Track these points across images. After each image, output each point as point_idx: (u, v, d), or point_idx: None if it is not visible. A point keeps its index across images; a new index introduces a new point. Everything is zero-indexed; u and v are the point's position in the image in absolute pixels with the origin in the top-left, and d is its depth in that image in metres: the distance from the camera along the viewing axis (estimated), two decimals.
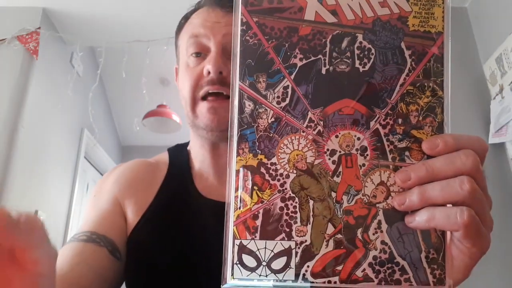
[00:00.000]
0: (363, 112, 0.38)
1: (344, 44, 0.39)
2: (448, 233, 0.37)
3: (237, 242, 0.37)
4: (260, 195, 0.38)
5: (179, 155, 0.80)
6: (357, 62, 0.38)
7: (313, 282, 0.36)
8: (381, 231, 0.37)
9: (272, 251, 0.37)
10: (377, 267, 0.36)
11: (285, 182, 0.38)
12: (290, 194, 0.38)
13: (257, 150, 0.38)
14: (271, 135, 0.38)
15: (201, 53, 0.68)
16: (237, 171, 0.38)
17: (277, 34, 0.39)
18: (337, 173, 0.38)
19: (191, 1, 0.77)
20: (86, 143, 3.13)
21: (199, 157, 0.76)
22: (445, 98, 0.38)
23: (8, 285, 0.29)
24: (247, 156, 0.38)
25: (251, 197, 0.38)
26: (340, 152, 0.38)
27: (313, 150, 0.38)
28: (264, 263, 0.37)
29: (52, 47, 2.60)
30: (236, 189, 0.38)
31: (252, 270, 0.37)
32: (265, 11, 0.39)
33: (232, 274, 0.37)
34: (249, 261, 0.37)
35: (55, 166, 2.69)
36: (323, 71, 0.38)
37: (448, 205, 0.36)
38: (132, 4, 2.46)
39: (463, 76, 2.09)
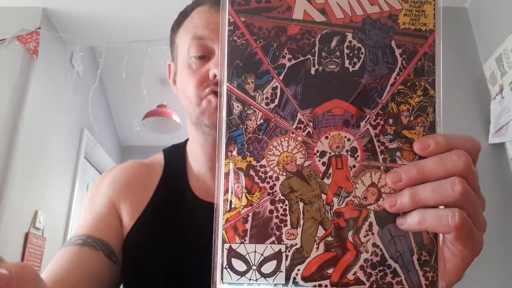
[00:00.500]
0: (353, 113, 0.37)
1: (333, 44, 0.38)
2: (441, 235, 0.36)
3: (226, 246, 0.36)
4: (249, 198, 0.37)
5: (175, 156, 0.80)
6: (346, 61, 0.38)
7: (303, 286, 0.36)
8: (373, 233, 0.36)
9: (262, 254, 0.36)
10: (368, 270, 0.36)
11: (274, 185, 0.37)
12: (280, 197, 0.37)
13: (246, 152, 0.37)
14: (260, 137, 0.38)
15: (204, 56, 0.67)
16: (226, 174, 0.37)
17: (265, 34, 0.38)
18: (327, 174, 0.37)
19: (192, 1, 0.76)
20: (86, 143, 3.13)
21: (198, 158, 0.75)
22: (437, 97, 0.38)
23: None
24: (236, 159, 0.37)
25: (240, 200, 0.37)
26: (330, 153, 0.37)
27: (303, 152, 0.37)
28: (254, 267, 0.36)
29: (52, 47, 2.60)
30: (225, 192, 0.37)
31: (242, 274, 0.36)
32: (253, 10, 0.38)
33: (222, 279, 0.36)
34: (238, 265, 0.36)
35: (55, 166, 2.69)
36: (312, 71, 0.38)
37: (440, 207, 0.35)
38: (132, 4, 2.45)
39: (463, 76, 2.08)
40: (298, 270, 0.36)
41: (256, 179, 0.37)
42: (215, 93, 0.65)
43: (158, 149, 0.84)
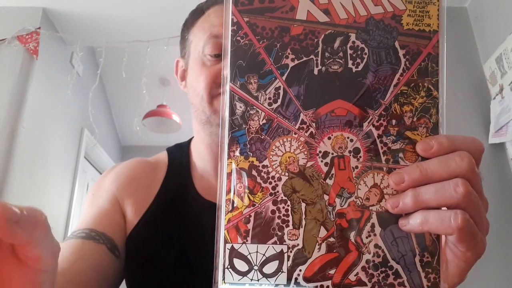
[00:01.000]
0: (356, 113, 0.37)
1: (336, 44, 0.38)
2: (443, 236, 0.36)
3: (228, 246, 0.36)
4: (251, 198, 0.37)
5: (179, 155, 0.80)
6: (350, 62, 0.38)
7: (305, 286, 0.36)
8: (375, 235, 0.36)
9: (263, 255, 0.36)
10: (370, 271, 0.36)
11: (277, 185, 0.37)
12: (282, 197, 0.37)
13: (249, 153, 0.37)
14: (262, 137, 0.37)
15: (220, 55, 0.67)
16: (228, 174, 0.37)
17: (268, 34, 0.38)
18: (330, 175, 0.37)
19: (192, 1, 0.76)
20: (86, 143, 3.12)
21: (203, 158, 0.75)
22: (441, 98, 0.38)
23: (8, 281, 0.28)
24: (238, 159, 0.37)
25: (243, 200, 0.37)
26: (332, 154, 0.37)
27: (305, 152, 0.37)
28: (255, 267, 0.36)
29: (52, 47, 2.60)
30: (227, 192, 0.37)
31: (244, 274, 0.36)
32: (256, 10, 0.38)
33: (224, 279, 0.36)
34: (240, 265, 0.36)
35: (55, 166, 2.69)
36: (315, 72, 0.38)
37: (443, 208, 0.35)
38: (132, 4, 2.45)
39: (463, 76, 2.08)
40: (300, 270, 0.36)
41: (259, 179, 0.37)
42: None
43: (158, 149, 0.84)
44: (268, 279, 0.36)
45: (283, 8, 0.38)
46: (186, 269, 0.66)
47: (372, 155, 0.37)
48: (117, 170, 0.78)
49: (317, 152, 0.37)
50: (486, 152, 1.93)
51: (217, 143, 0.69)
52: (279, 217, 0.37)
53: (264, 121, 0.38)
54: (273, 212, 0.37)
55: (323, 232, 0.36)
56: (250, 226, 0.37)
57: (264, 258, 0.36)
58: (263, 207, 0.37)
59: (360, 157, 0.37)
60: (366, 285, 0.36)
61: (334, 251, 0.36)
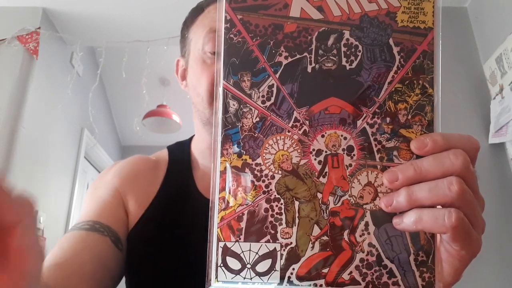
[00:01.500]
0: (350, 111, 0.37)
1: (330, 41, 0.38)
2: (438, 235, 0.36)
3: (221, 244, 0.36)
4: (244, 196, 0.37)
5: (180, 153, 0.79)
6: (343, 59, 0.37)
7: (298, 285, 0.35)
8: (369, 233, 0.36)
9: (256, 253, 0.36)
10: (364, 270, 0.35)
11: (270, 183, 0.37)
12: (275, 195, 0.37)
13: (242, 151, 0.37)
14: (256, 135, 0.37)
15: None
16: (222, 172, 0.37)
17: (261, 31, 0.38)
18: (323, 173, 0.37)
19: (191, 1, 0.75)
20: (86, 143, 3.12)
21: (204, 157, 0.75)
22: (436, 96, 0.37)
23: None
24: (231, 157, 0.37)
25: (236, 198, 0.37)
26: (326, 152, 0.37)
27: (299, 150, 0.37)
28: (248, 266, 0.36)
29: (52, 47, 2.60)
30: (221, 190, 0.37)
31: (237, 272, 0.36)
32: (249, 8, 0.38)
33: (216, 277, 0.36)
34: (233, 263, 0.36)
35: (55, 166, 2.69)
36: (309, 69, 0.37)
37: (438, 207, 0.35)
38: (132, 4, 2.45)
39: (463, 76, 2.08)
40: (293, 269, 0.36)
41: (252, 178, 0.37)
42: None
43: (158, 149, 0.84)
44: (261, 277, 0.36)
45: (277, 6, 0.38)
46: (186, 266, 0.66)
47: (366, 153, 0.37)
48: (119, 166, 0.78)
49: (311, 150, 0.37)
50: (486, 152, 1.93)
51: None
52: (272, 216, 0.36)
53: (258, 119, 0.37)
54: (266, 210, 0.36)
55: (316, 231, 0.36)
56: (243, 224, 0.36)
57: (257, 256, 0.36)
58: (256, 205, 0.36)
59: (354, 155, 0.37)
60: (360, 284, 0.35)
61: (328, 249, 0.36)
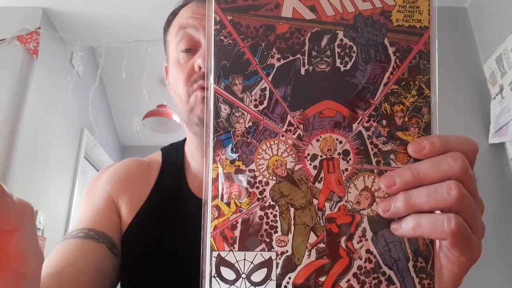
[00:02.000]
0: (345, 114, 0.36)
1: (324, 42, 0.36)
2: (437, 241, 0.35)
3: (215, 254, 0.35)
4: (238, 204, 0.36)
5: (173, 154, 0.80)
6: (338, 61, 0.36)
7: None
8: (366, 240, 0.35)
9: (251, 262, 0.35)
10: (362, 278, 0.34)
11: (264, 190, 0.36)
12: (270, 202, 0.35)
13: (235, 157, 0.36)
14: (249, 140, 0.36)
15: (191, 49, 0.67)
16: (214, 179, 0.36)
17: (253, 33, 0.37)
18: (319, 179, 0.35)
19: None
20: (86, 143, 3.12)
21: (195, 158, 0.75)
22: (433, 97, 0.36)
23: None
24: (224, 163, 0.36)
25: (229, 206, 0.36)
26: (321, 156, 0.36)
27: (293, 155, 0.36)
28: (243, 276, 0.35)
29: (52, 47, 2.59)
30: (213, 198, 0.36)
31: (231, 283, 0.35)
32: (240, 8, 0.37)
33: None
34: (227, 273, 0.35)
35: (55, 166, 2.69)
36: (302, 72, 0.36)
37: (436, 212, 0.33)
38: (132, 4, 2.44)
39: (463, 76, 2.07)
40: (289, 278, 0.35)
41: (245, 184, 0.36)
42: (204, 88, 0.64)
43: (158, 149, 0.84)
44: (256, 287, 0.35)
45: (268, 6, 0.37)
46: (179, 268, 0.66)
47: (362, 157, 0.36)
48: (111, 170, 0.79)
49: (305, 154, 0.36)
50: (486, 152, 1.92)
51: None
52: (267, 223, 0.35)
53: (250, 123, 0.36)
54: (260, 218, 0.35)
55: (312, 238, 0.35)
56: (237, 233, 0.35)
57: (252, 265, 0.35)
58: (250, 213, 0.35)
59: (350, 159, 0.36)
60: None
61: (324, 257, 0.35)
